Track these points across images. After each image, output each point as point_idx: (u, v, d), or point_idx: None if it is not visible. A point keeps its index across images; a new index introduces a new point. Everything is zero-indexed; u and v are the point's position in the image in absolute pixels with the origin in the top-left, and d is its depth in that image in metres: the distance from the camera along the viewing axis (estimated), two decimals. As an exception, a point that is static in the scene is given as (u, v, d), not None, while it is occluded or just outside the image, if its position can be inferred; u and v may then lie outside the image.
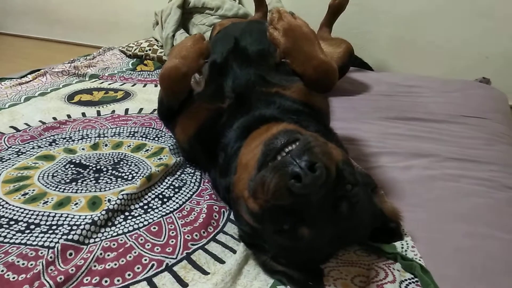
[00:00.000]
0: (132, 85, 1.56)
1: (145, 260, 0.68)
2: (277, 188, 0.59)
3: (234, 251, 0.73)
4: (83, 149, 1.04)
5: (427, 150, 1.08)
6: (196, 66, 0.86)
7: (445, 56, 1.89)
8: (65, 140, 1.09)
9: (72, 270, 0.64)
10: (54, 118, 1.23)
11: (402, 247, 0.72)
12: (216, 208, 0.83)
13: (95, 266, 0.66)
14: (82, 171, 0.94)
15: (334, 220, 0.62)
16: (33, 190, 0.85)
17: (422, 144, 1.13)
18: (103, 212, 0.76)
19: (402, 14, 1.91)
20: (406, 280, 0.66)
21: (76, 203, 0.82)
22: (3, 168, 0.93)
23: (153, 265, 0.67)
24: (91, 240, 0.71)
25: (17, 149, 1.02)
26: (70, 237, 0.70)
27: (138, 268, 0.66)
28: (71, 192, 0.85)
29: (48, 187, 0.86)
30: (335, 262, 0.71)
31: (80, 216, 0.78)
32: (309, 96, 0.90)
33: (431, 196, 0.89)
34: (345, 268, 0.69)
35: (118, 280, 0.64)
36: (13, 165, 0.95)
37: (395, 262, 0.70)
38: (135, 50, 1.97)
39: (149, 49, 1.94)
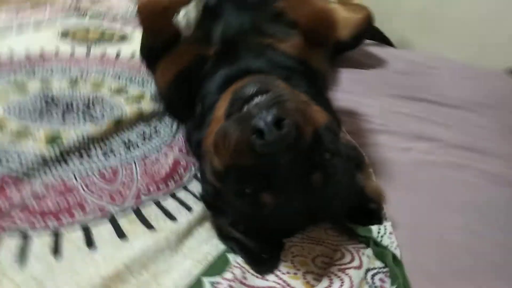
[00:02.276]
0: (132, 29, 1.47)
1: (88, 205, 0.61)
2: (238, 144, 0.51)
3: (190, 210, 0.65)
4: (60, 84, 0.97)
5: (433, 134, 0.98)
6: (179, 1, 0.76)
7: (475, 38, 1.70)
8: (44, 72, 1.01)
9: (3, 203, 0.57)
10: (41, 51, 1.16)
11: (379, 232, 0.64)
12: (183, 163, 0.75)
13: (30, 201, 0.59)
14: (52, 105, 0.86)
15: (304, 191, 0.54)
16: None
17: (428, 127, 1.02)
18: (57, 149, 0.69)
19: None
20: (374, 268, 0.58)
21: (35, 136, 0.75)
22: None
23: (95, 211, 0.60)
24: (36, 175, 0.65)
25: (-8, 75, 0.96)
26: (12, 167, 0.64)
27: (78, 212, 0.60)
28: (33, 124, 0.78)
29: (10, 116, 0.80)
30: (300, 238, 0.63)
31: (33, 148, 0.71)
32: (306, 52, 0.79)
33: (426, 182, 0.80)
34: (309, 246, 0.61)
35: (51, 220, 0.57)
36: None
37: (367, 247, 0.61)
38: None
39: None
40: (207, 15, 0.82)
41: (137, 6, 0.77)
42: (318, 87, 0.82)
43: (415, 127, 1.01)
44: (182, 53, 0.81)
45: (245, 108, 0.52)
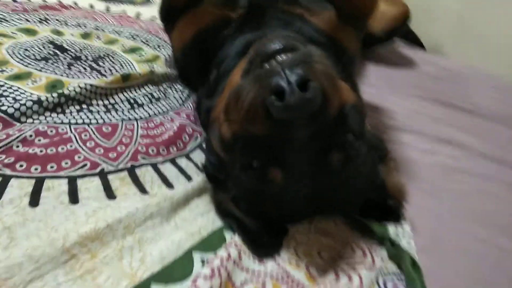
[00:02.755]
0: (157, -5, 1.42)
1: (79, 157, 0.55)
2: (252, 106, 0.44)
3: (190, 180, 0.59)
4: (72, 34, 0.91)
5: (460, 140, 0.91)
6: None
7: (509, 52, 1.61)
8: (58, 22, 0.96)
9: (-13, 142, 0.52)
10: (59, 1, 1.11)
11: (397, 234, 0.57)
12: (189, 130, 0.69)
13: (17, 146, 0.54)
14: (59, 53, 0.81)
15: (318, 171, 0.47)
16: (-6, 56, 0.73)
17: (456, 132, 0.94)
18: (55, 95, 0.63)
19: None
20: (388, 273, 0.51)
21: (35, 81, 0.69)
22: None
23: (85, 165, 0.54)
24: (28, 120, 0.59)
25: (2, 16, 0.90)
26: (4, 108, 0.58)
27: (66, 163, 0.54)
28: (35, 69, 0.73)
29: (13, 58, 0.74)
30: (307, 227, 0.56)
31: (31, 93, 0.65)
32: (338, 29, 0.73)
33: (451, 187, 0.73)
34: (316, 236, 0.55)
35: (36, 169, 0.51)
36: (-12, 28, 0.83)
37: (382, 247, 0.54)
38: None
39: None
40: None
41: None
42: (346, 68, 0.75)
43: (442, 131, 0.94)
44: (204, 14, 0.75)
45: (266, 66, 0.46)
